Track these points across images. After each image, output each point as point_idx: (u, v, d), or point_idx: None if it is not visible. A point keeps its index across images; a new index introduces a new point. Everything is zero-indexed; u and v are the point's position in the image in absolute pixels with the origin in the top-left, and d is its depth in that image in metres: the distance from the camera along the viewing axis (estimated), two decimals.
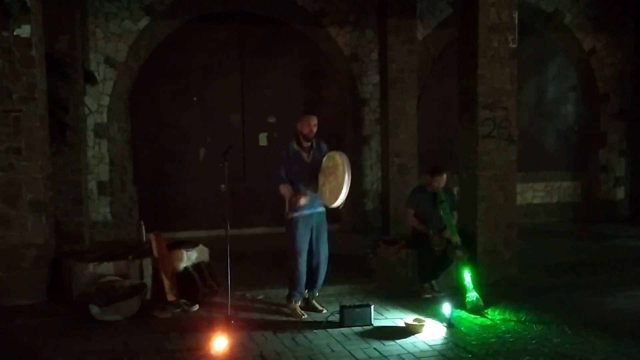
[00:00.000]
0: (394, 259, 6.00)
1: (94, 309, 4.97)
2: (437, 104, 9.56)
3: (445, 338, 4.52)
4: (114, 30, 8.38)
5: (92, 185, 8.40)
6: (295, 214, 4.96)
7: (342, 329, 4.68)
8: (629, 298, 5.49)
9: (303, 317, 5.01)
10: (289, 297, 5.14)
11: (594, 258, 7.21)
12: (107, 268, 5.34)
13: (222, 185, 4.76)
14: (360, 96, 9.33)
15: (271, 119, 9.14)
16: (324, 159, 4.94)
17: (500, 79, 6.31)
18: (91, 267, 5.31)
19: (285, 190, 4.98)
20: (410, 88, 8.80)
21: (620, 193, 10.55)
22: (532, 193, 10.26)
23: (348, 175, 4.68)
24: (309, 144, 5.05)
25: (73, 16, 7.59)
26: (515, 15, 6.33)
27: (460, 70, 6.61)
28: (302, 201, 4.88)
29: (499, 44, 6.28)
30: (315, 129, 4.99)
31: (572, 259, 7.15)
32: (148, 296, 5.33)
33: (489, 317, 4.97)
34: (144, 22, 8.45)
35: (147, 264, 5.45)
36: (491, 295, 5.44)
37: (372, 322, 4.77)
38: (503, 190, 6.35)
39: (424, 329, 4.61)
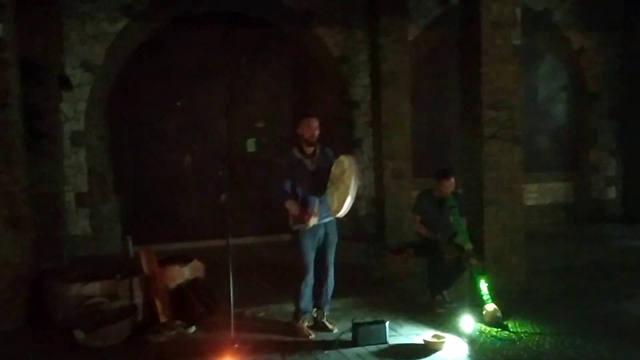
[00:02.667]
0: (401, 269, 5.68)
1: (80, 335, 4.52)
2: (429, 105, 9.32)
3: (469, 356, 4.20)
4: (90, 32, 7.89)
5: (70, 197, 7.87)
6: (302, 225, 4.59)
7: (356, 349, 4.33)
8: None
9: (310, 337, 4.63)
10: (296, 316, 4.75)
11: (599, 260, 7.02)
12: (93, 289, 4.88)
13: (222, 196, 4.37)
14: (351, 98, 9.00)
15: (259, 124, 8.76)
16: (333, 166, 4.57)
17: (503, 78, 6.06)
18: (75, 288, 4.85)
19: (292, 207, 4.58)
20: (402, 89, 8.50)
21: (612, 193, 10.45)
22: (525, 195, 9.99)
23: (355, 180, 4.34)
24: (312, 149, 4.67)
25: (46, 18, 7.12)
26: (518, 11, 6.11)
27: (462, 69, 6.34)
28: (311, 222, 4.51)
29: (502, 41, 6.03)
30: (317, 132, 4.63)
31: (578, 262, 6.94)
32: (139, 318, 4.88)
33: (510, 329, 4.66)
34: (122, 23, 7.97)
35: (137, 282, 5.00)
36: (504, 304, 5.12)
37: (388, 340, 4.42)
38: (509, 192, 6.10)
39: (445, 346, 4.28)
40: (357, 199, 9.31)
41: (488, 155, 6.02)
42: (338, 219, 4.66)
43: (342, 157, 4.52)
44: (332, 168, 4.56)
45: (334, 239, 4.76)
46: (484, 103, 5.99)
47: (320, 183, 4.56)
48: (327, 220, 4.68)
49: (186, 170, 8.50)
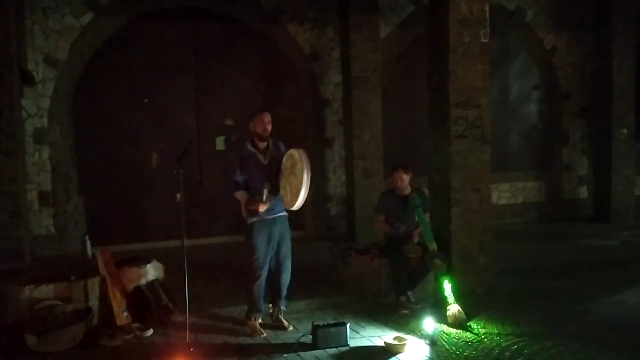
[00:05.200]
0: (366, 270, 5.58)
1: (31, 340, 4.35)
2: (401, 104, 9.25)
3: (429, 358, 4.12)
4: (54, 26, 7.69)
5: (33, 195, 7.66)
6: (254, 219, 4.55)
7: (316, 352, 4.23)
8: (613, 304, 5.24)
9: (262, 335, 4.58)
10: (248, 314, 4.71)
11: (567, 260, 6.99)
12: (45, 291, 4.70)
13: (177, 195, 4.25)
14: (322, 97, 8.91)
15: (228, 122, 8.61)
16: (283, 159, 4.55)
17: (472, 76, 5.99)
18: (27, 291, 4.66)
19: (241, 196, 4.59)
20: (374, 87, 8.40)
21: (583, 192, 10.50)
22: (497, 194, 10.04)
23: (307, 171, 4.29)
24: (265, 144, 4.64)
25: (6, 11, 6.91)
26: (487, 8, 6.03)
27: (430, 67, 6.27)
28: (261, 208, 4.47)
29: (471, 38, 5.97)
30: (269, 127, 4.60)
31: (546, 262, 6.92)
32: (95, 321, 4.72)
33: (473, 331, 4.60)
34: (87, 17, 7.78)
35: (93, 284, 4.84)
36: (470, 305, 5.08)
37: (348, 342, 4.33)
38: (477, 192, 6.03)
39: (406, 348, 4.20)
40: (327, 198, 9.27)
41: (455, 154, 5.95)
42: (289, 215, 4.66)
43: (292, 151, 4.49)
44: (283, 160, 4.55)
45: (286, 233, 4.72)
46: (451, 102, 5.93)
47: (273, 177, 4.55)
48: (281, 213, 4.65)
49: (153, 169, 8.32)
